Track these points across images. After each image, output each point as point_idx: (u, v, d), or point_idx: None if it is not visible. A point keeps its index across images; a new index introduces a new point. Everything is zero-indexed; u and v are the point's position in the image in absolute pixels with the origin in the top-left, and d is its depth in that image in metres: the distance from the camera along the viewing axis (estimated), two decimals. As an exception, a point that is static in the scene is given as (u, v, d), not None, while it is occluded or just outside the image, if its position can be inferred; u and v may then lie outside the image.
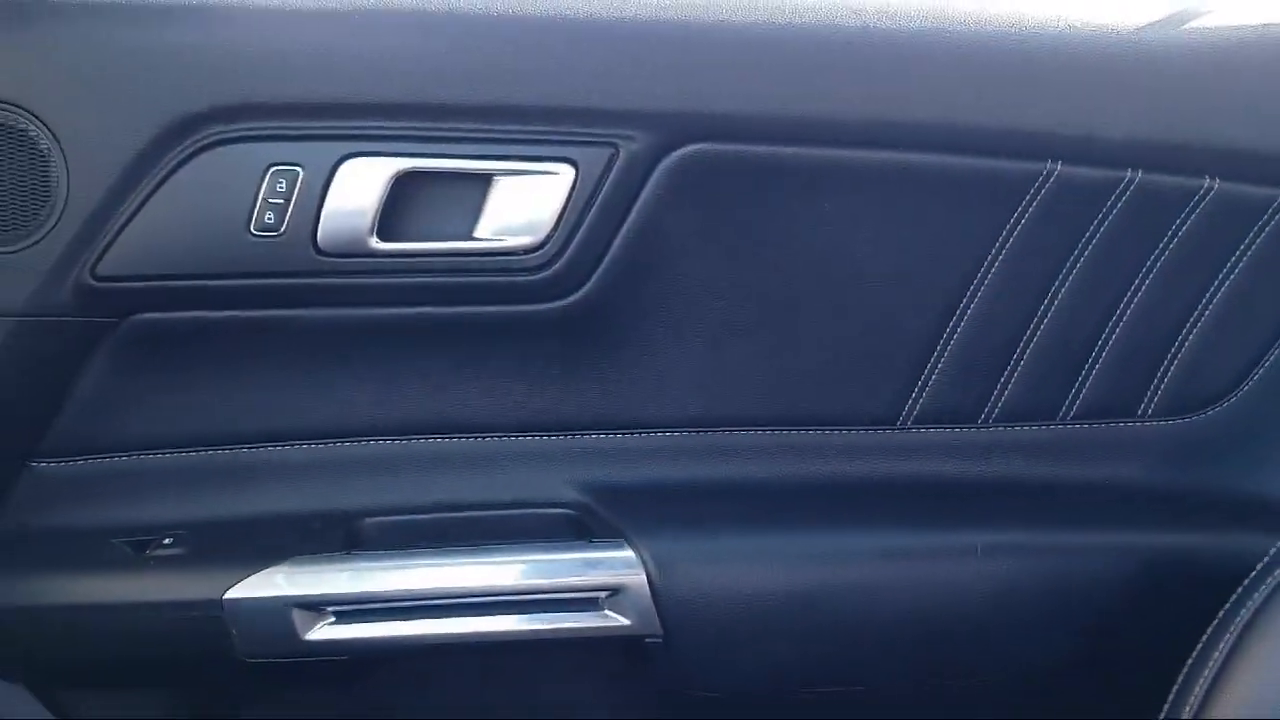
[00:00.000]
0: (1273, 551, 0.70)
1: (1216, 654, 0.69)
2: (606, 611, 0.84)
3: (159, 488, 0.89)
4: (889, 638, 0.86)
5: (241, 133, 0.81)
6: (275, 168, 0.81)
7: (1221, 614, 0.71)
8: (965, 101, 0.85)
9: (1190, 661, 0.71)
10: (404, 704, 0.90)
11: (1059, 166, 0.85)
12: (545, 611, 0.85)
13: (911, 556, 0.87)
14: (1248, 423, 0.92)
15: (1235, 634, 0.69)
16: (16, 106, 0.80)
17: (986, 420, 0.92)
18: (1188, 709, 0.70)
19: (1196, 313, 0.90)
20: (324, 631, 0.83)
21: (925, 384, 0.91)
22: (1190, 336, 0.91)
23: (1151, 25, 0.87)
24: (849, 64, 0.84)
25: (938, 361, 0.91)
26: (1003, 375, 0.91)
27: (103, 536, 0.87)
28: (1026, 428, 0.93)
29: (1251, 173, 0.86)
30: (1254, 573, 0.70)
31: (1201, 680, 0.70)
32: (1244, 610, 0.70)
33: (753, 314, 0.90)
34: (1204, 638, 0.70)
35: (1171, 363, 0.92)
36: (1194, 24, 0.88)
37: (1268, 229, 0.87)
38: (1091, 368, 0.91)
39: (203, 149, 0.81)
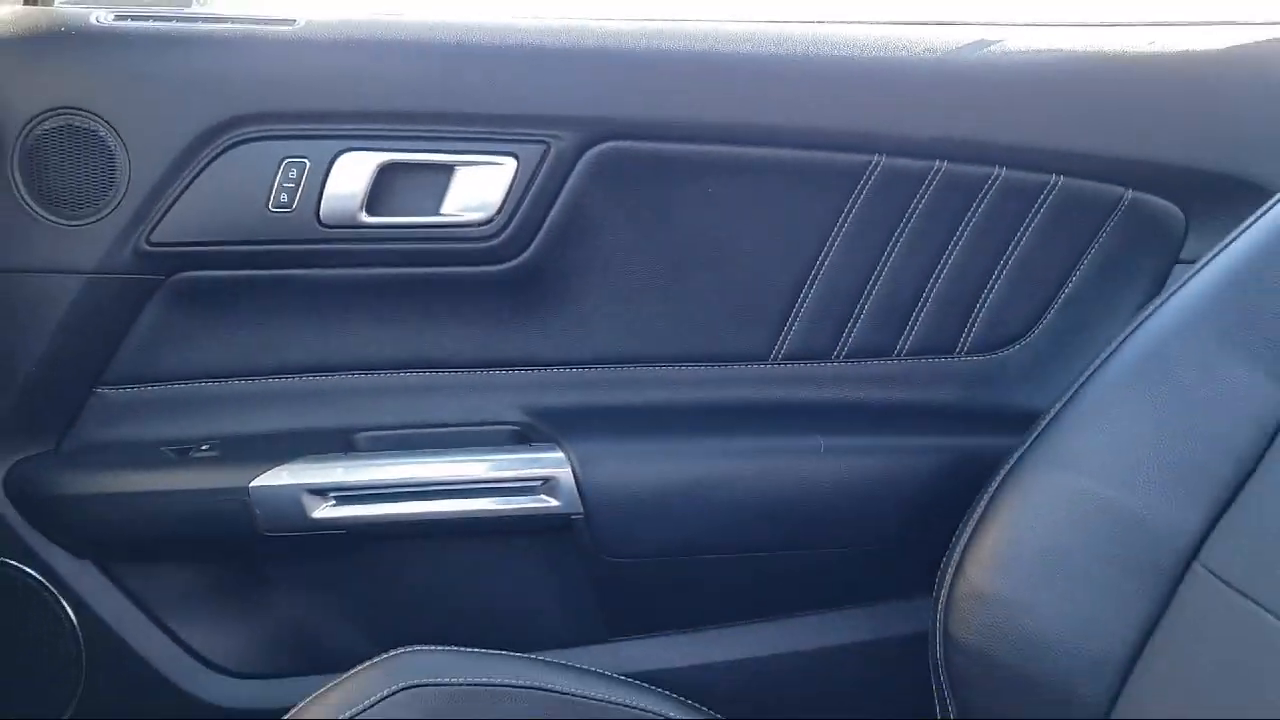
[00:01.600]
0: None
1: (970, 524, 0.93)
2: (542, 496, 1.06)
3: (197, 408, 1.10)
4: (755, 517, 1.08)
5: (261, 134, 1.03)
6: (288, 159, 1.03)
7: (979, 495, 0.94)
8: (810, 108, 1.07)
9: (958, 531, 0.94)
10: (388, 568, 1.12)
11: (883, 159, 1.08)
12: (496, 496, 1.07)
13: (774, 455, 1.09)
14: (1034, 358, 1.15)
15: (982, 506, 0.92)
16: (91, 113, 1.01)
17: (837, 357, 1.15)
18: (953, 566, 0.93)
19: (995, 274, 1.13)
20: (326, 511, 1.05)
21: (790, 329, 1.14)
22: (991, 293, 1.14)
23: (958, 49, 1.10)
24: (722, 81, 1.07)
25: (799, 312, 1.13)
26: (849, 322, 1.14)
27: (154, 445, 1.09)
28: (867, 362, 1.15)
29: (1030, 163, 1.09)
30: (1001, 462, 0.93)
31: (960, 543, 0.93)
32: (990, 488, 0.93)
33: (656, 273, 1.12)
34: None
35: (978, 313, 1.15)
36: (991, 49, 1.11)
37: (1044, 207, 1.10)
38: (917, 316, 1.14)
39: (232, 146, 1.03)
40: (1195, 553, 0.83)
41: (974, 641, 0.91)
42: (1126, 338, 0.92)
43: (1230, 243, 0.91)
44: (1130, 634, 0.84)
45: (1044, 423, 0.92)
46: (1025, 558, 0.90)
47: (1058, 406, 0.92)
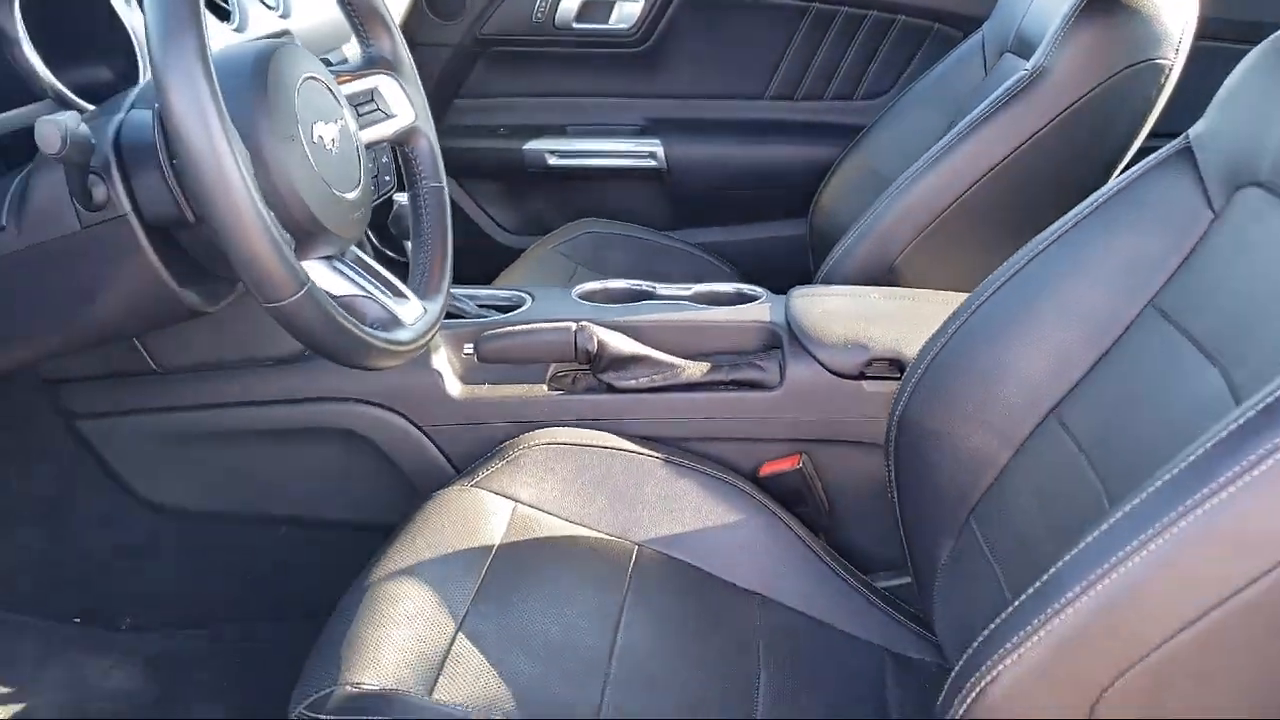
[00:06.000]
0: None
1: (828, 177, 1.99)
2: (649, 159, 2.18)
3: (500, 110, 2.23)
4: (750, 171, 2.17)
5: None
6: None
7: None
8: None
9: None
10: (581, 190, 2.25)
11: (815, 4, 2.08)
12: (628, 159, 2.18)
13: (762, 144, 2.17)
14: (887, 104, 2.15)
15: (830, 171, 1.98)
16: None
17: (796, 97, 2.19)
18: (818, 195, 2.01)
19: (872, 62, 2.14)
20: (555, 161, 2.18)
21: (771, 83, 2.18)
22: (869, 73, 2.15)
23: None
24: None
25: (775, 75, 2.17)
26: (802, 80, 2.17)
27: (482, 126, 2.22)
28: (810, 102, 2.19)
29: (887, 8, 2.08)
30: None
31: (821, 184, 2.00)
32: (835, 163, 1.99)
33: (710, 55, 2.18)
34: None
35: (863, 81, 2.16)
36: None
37: (894, 32, 2.10)
38: (832, 79, 2.16)
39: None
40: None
41: (819, 224, 2.00)
42: (900, 96, 1.94)
43: (952, 50, 1.90)
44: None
45: (860, 134, 1.97)
46: (841, 193, 1.97)
47: (866, 127, 1.96)
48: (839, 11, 2.09)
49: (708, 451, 1.33)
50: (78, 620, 1.42)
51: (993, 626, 0.77)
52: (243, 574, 1.44)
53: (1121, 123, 1.44)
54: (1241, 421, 0.70)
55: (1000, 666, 0.74)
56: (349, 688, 0.92)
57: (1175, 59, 1.40)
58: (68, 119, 0.81)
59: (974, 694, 0.76)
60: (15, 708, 1.30)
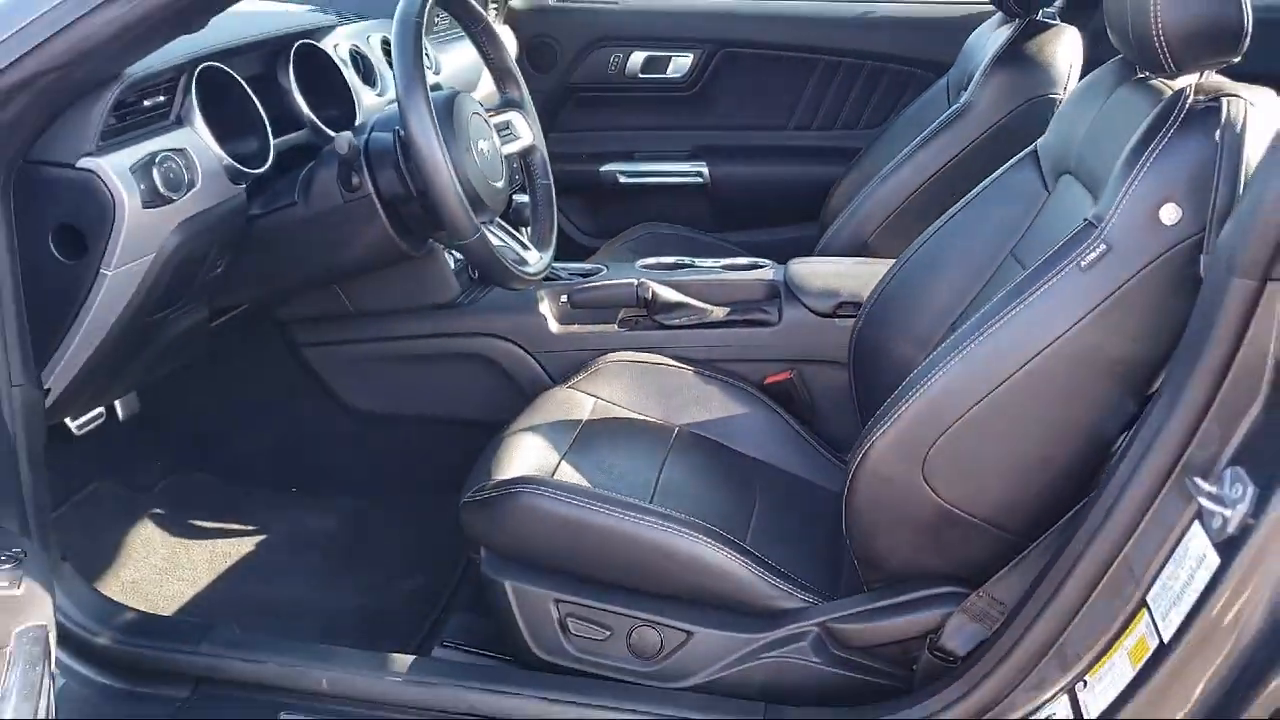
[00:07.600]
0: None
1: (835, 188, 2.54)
2: (696, 177, 2.74)
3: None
4: (773, 188, 2.72)
5: (608, 44, 2.69)
6: (614, 54, 2.69)
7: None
8: (796, 35, 2.62)
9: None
10: (633, 197, 2.82)
11: (822, 57, 2.64)
12: (682, 177, 2.74)
13: (778, 164, 2.72)
14: (881, 131, 2.68)
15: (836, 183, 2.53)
16: (551, 37, 2.69)
17: (810, 128, 2.73)
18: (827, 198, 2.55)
19: (866, 102, 2.67)
20: (612, 168, 2.76)
21: (791, 118, 2.73)
22: (867, 108, 2.68)
23: (849, 14, 2.61)
24: (769, 22, 2.63)
25: (794, 110, 2.72)
26: (816, 113, 2.72)
27: (565, 139, 2.81)
28: (810, 131, 2.74)
29: (862, 56, 2.62)
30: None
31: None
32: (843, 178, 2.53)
33: (743, 95, 2.74)
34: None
35: (863, 114, 2.70)
36: (862, 13, 2.61)
37: (885, 75, 2.63)
38: (837, 112, 2.70)
39: (597, 49, 2.69)
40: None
41: (827, 224, 2.53)
42: (889, 124, 2.48)
43: (927, 90, 2.43)
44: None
45: (859, 155, 2.51)
46: (844, 200, 2.50)
47: (864, 149, 2.50)
48: (842, 62, 2.65)
49: (728, 369, 1.87)
50: (294, 490, 2.00)
51: (871, 422, 1.30)
52: (406, 457, 2.00)
53: (1026, 139, 1.94)
54: (1008, 288, 1.24)
55: (871, 440, 1.29)
56: (497, 480, 1.47)
57: (1064, 94, 1.93)
58: (349, 136, 1.40)
59: (859, 458, 1.30)
60: (259, 538, 1.89)
